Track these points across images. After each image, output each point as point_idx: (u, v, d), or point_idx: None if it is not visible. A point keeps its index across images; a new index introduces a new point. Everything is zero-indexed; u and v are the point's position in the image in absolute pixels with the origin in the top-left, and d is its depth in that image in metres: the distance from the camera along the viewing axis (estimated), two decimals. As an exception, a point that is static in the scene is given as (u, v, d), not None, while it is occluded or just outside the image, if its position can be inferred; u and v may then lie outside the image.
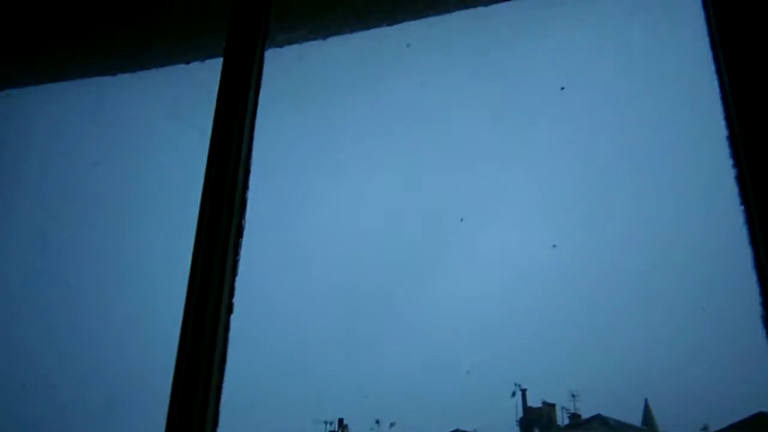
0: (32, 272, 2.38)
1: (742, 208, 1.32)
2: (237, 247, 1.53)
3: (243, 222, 1.58)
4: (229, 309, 1.50)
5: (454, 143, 2.55)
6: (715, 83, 1.34)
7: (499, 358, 3.03)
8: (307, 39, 2.03)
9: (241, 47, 1.74)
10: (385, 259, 2.69)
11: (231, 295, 1.50)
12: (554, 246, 2.76)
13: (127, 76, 2.23)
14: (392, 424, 2.85)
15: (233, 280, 1.51)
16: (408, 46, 1.91)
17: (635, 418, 3.16)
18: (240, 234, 1.55)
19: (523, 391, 3.25)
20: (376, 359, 2.74)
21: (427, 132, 2.45)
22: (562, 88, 1.99)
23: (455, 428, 3.21)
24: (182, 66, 2.18)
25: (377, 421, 2.91)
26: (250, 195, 1.62)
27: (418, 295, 3.12)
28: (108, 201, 2.29)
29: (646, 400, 3.14)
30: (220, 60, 1.81)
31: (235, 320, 1.47)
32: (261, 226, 1.64)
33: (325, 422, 3.06)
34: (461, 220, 2.56)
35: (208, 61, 2.08)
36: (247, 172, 1.63)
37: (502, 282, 3.07)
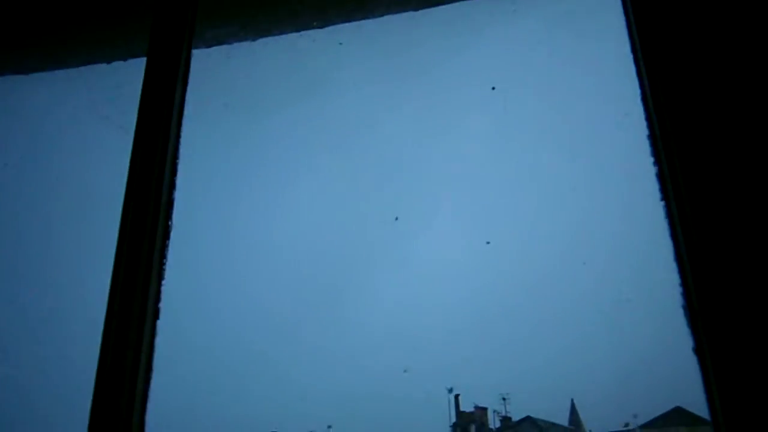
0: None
1: (663, 203, 1.38)
2: (163, 249, 1.45)
3: (170, 223, 1.50)
4: (156, 314, 1.42)
5: (385, 145, 2.57)
6: (636, 84, 1.41)
7: (432, 363, 3.05)
8: (237, 39, 1.99)
9: (166, 45, 1.68)
10: (319, 261, 2.66)
11: (157, 299, 1.42)
12: (488, 243, 2.81)
13: (44, 74, 2.11)
14: (329, 426, 2.80)
15: (159, 284, 1.44)
16: (340, 44, 1.90)
17: (563, 418, 3.25)
18: (167, 235, 1.48)
19: (456, 396, 3.28)
20: (310, 363, 2.69)
21: (359, 134, 2.45)
22: (493, 88, 2.03)
23: (389, 435, 3.19)
24: (104, 65, 2.08)
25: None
26: (178, 196, 1.55)
27: (351, 297, 3.10)
28: (21, 203, 2.15)
29: (572, 401, 3.23)
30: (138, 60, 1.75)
31: (165, 326, 1.39)
32: (190, 227, 1.58)
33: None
34: (396, 218, 2.56)
35: (132, 60, 1.99)
36: (174, 171, 1.56)
37: (435, 284, 3.10)
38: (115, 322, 1.40)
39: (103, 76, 2.05)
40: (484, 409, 3.26)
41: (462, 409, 3.21)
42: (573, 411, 3.22)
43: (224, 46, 2.04)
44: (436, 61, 2.29)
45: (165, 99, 1.63)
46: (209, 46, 1.98)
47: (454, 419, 3.18)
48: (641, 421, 2.85)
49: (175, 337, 1.41)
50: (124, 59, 2.00)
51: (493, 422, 3.36)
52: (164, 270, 1.49)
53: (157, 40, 1.70)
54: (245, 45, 2.04)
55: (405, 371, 3.06)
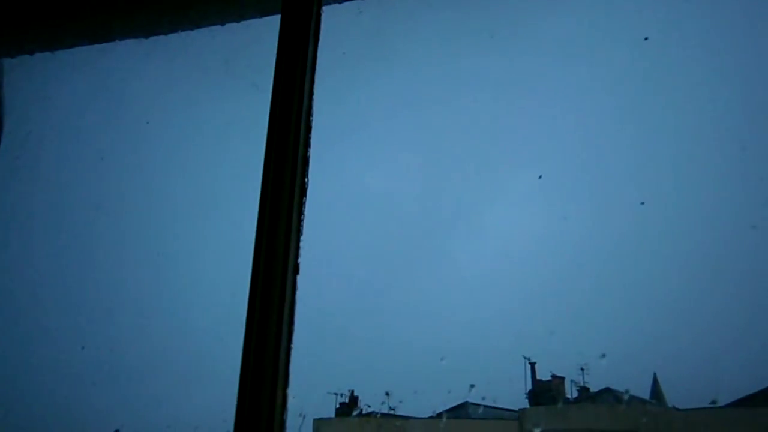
0: (89, 236, 2.34)
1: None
2: (301, 205, 1.44)
3: (306, 180, 1.49)
4: (296, 269, 1.42)
5: (462, 119, 2.54)
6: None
7: (509, 332, 3.06)
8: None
9: (299, 2, 1.65)
10: (405, 226, 2.68)
11: (297, 255, 1.41)
12: (565, 218, 2.75)
13: (176, 35, 2.12)
14: (400, 402, 2.91)
15: (299, 240, 1.43)
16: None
17: (644, 392, 3.18)
18: (304, 193, 1.46)
19: (533, 365, 3.28)
20: (386, 330, 2.77)
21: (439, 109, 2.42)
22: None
23: (465, 401, 3.25)
24: (234, 24, 2.08)
25: (387, 393, 2.96)
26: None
27: (429, 267, 3.14)
28: (161, 160, 2.24)
29: (654, 374, 3.15)
30: (268, 19, 1.75)
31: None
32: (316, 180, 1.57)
33: (336, 394, 3.13)
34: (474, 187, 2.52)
35: (262, 19, 1.98)
36: (309, 128, 1.55)
37: (515, 256, 3.08)
38: (261, 277, 1.40)
39: (234, 35, 2.05)
40: (562, 379, 3.25)
41: (539, 377, 3.21)
42: (655, 385, 3.14)
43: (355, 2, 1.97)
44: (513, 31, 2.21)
45: (299, 56, 1.58)
46: (340, 2, 1.92)
47: (530, 387, 3.19)
48: (729, 399, 2.75)
49: (312, 291, 1.44)
50: (253, 18, 1.96)
51: (571, 392, 3.34)
52: (302, 226, 1.47)
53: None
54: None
55: (482, 339, 3.09)
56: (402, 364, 2.92)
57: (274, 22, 1.69)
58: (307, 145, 1.51)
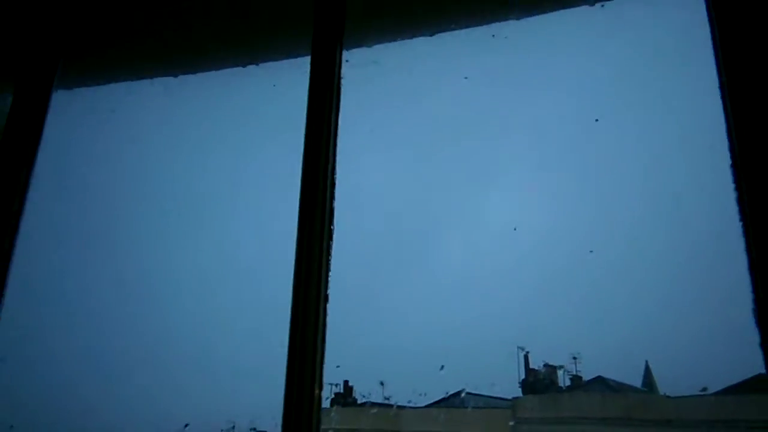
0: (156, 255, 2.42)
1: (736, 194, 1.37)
2: (329, 249, 1.65)
3: (332, 227, 1.66)
4: (326, 299, 1.73)
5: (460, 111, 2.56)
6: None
7: (502, 322, 3.08)
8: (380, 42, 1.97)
9: (325, 49, 1.67)
10: (397, 217, 2.73)
11: (327, 286, 1.69)
12: (557, 209, 2.77)
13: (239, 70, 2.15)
14: (381, 383, 2.93)
15: (327, 275, 1.68)
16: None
17: (636, 380, 3.22)
18: (330, 237, 1.66)
19: (526, 355, 3.31)
20: (378, 320, 2.79)
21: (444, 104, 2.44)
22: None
23: (461, 389, 3.28)
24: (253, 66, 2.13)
25: (381, 383, 2.99)
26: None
27: (420, 255, 3.16)
28: (214, 180, 2.28)
29: (646, 362, 3.18)
30: (286, 61, 1.80)
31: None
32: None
33: (331, 384, 3.14)
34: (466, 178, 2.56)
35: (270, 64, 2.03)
36: (333, 184, 1.66)
37: (508, 247, 3.10)
38: (300, 305, 1.67)
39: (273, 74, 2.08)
40: (554, 368, 3.28)
41: (532, 367, 3.24)
42: (647, 373, 3.18)
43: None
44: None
45: (327, 100, 1.65)
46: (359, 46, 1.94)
47: (523, 376, 3.22)
48: (719, 386, 2.78)
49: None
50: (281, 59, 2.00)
51: (563, 381, 3.38)
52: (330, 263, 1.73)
53: (319, 43, 1.68)
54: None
55: (474, 329, 3.11)
56: (396, 354, 2.95)
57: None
58: (332, 197, 1.64)
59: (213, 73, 2.11)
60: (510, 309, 3.00)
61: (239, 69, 2.06)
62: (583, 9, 2.05)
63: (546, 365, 3.26)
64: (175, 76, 2.11)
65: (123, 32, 2.02)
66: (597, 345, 2.92)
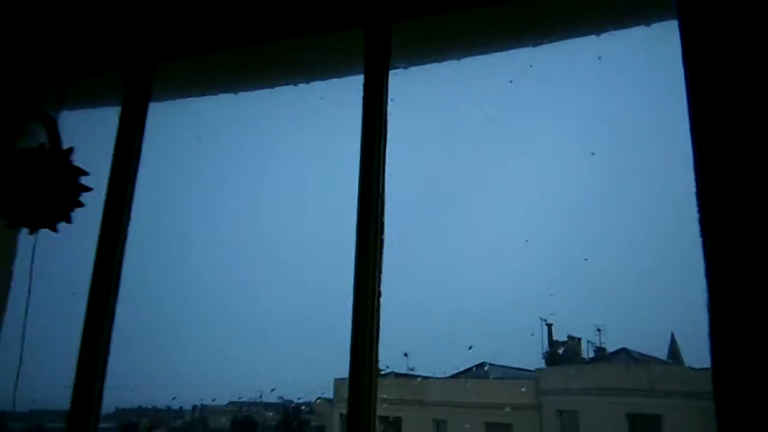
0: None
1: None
2: (381, 251, 1.68)
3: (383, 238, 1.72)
4: (379, 294, 1.76)
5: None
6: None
7: (526, 294, 3.09)
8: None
9: (375, 71, 1.73)
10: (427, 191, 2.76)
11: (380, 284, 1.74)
12: (583, 179, 2.73)
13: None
14: (405, 354, 2.96)
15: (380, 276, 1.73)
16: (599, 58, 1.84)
17: (661, 352, 3.21)
18: (382, 231, 1.68)
19: (549, 326, 3.31)
20: (403, 293, 2.83)
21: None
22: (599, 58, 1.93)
23: (482, 361, 3.31)
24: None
25: (405, 354, 3.02)
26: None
27: (445, 229, 3.17)
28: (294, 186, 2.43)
29: (672, 334, 3.17)
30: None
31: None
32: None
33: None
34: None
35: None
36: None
37: (533, 218, 3.09)
38: (361, 299, 1.69)
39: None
40: (578, 340, 3.28)
41: (555, 339, 3.25)
42: (673, 344, 3.17)
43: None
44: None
45: (377, 116, 1.71)
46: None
47: (547, 348, 3.23)
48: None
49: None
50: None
51: (587, 352, 3.38)
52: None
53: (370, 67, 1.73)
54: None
55: (498, 301, 3.13)
56: (420, 326, 2.98)
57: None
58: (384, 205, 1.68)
59: (263, 92, 2.19)
60: (534, 282, 3.01)
61: (290, 87, 2.13)
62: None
63: (570, 337, 3.26)
64: (235, 92, 2.17)
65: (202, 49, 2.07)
66: (622, 317, 2.91)
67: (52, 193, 1.49)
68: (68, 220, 1.51)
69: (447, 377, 3.12)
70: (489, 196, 2.85)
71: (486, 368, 3.22)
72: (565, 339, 3.24)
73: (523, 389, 3.09)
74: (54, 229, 1.50)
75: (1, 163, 1.47)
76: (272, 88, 2.09)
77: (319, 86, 2.02)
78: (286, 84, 2.09)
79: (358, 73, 1.83)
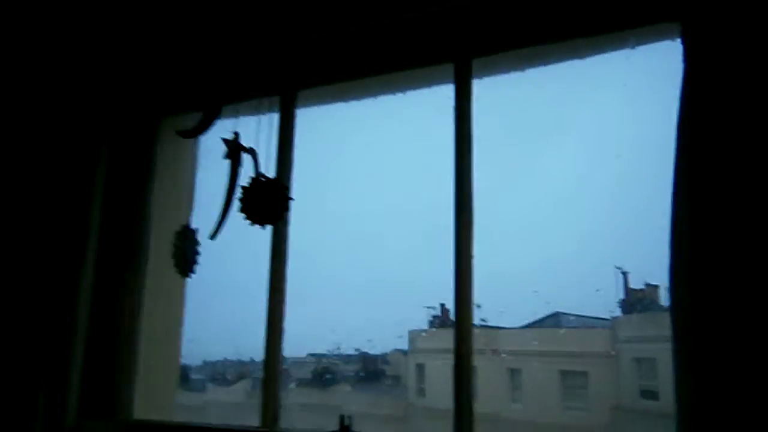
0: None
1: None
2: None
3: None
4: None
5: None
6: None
7: (601, 242, 3.02)
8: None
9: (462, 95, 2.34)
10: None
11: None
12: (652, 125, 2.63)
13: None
14: (478, 305, 2.98)
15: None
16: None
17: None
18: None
19: (625, 274, 3.24)
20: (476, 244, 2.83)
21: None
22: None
23: (556, 311, 3.28)
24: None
25: (478, 305, 3.02)
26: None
27: (518, 175, 3.13)
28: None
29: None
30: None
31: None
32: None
33: (429, 307, 3.22)
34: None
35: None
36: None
37: (599, 163, 3.01)
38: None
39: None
40: (656, 287, 3.19)
41: (632, 286, 3.17)
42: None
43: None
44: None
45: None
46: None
47: (622, 296, 3.17)
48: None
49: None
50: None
51: (666, 299, 3.27)
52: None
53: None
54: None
55: (573, 250, 3.07)
56: (492, 277, 2.97)
57: None
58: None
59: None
60: (609, 229, 2.93)
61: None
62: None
63: (647, 284, 3.18)
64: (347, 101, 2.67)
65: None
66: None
67: (276, 205, 2.36)
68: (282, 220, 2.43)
69: (519, 327, 3.12)
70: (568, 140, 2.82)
71: (560, 318, 3.19)
72: (643, 287, 3.16)
73: (599, 337, 3.07)
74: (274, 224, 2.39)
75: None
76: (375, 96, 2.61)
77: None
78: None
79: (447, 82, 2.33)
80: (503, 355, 3.09)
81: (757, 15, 1.68)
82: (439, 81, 2.41)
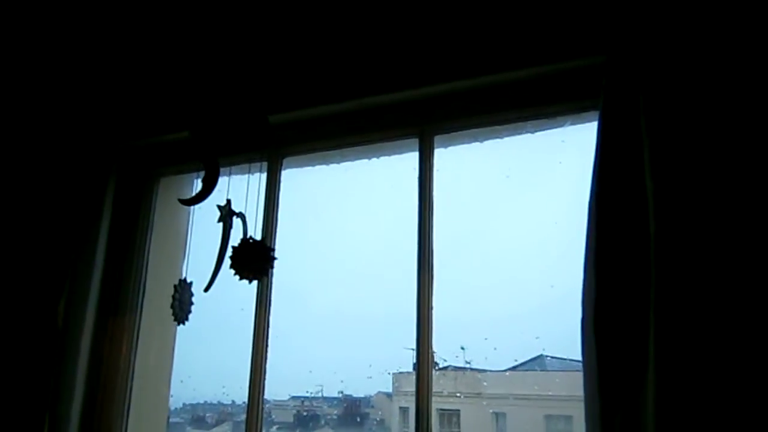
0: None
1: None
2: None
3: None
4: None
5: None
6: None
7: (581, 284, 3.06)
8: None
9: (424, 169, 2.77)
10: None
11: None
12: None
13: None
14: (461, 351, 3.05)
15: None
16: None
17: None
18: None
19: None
20: (458, 286, 2.95)
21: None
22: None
23: (540, 354, 3.33)
24: None
25: (462, 348, 3.11)
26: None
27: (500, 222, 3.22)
28: None
29: None
30: None
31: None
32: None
33: (412, 349, 3.30)
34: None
35: None
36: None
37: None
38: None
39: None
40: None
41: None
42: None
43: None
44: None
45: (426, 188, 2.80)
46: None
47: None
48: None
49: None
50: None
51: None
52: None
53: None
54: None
55: (553, 291, 3.12)
56: (476, 319, 3.06)
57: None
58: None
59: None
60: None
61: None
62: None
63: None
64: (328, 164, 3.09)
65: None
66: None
67: (262, 262, 2.64)
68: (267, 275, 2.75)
69: (504, 370, 3.19)
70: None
71: (547, 360, 3.25)
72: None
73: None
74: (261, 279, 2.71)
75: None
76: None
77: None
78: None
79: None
80: (484, 403, 3.14)
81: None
82: (407, 150, 2.79)
